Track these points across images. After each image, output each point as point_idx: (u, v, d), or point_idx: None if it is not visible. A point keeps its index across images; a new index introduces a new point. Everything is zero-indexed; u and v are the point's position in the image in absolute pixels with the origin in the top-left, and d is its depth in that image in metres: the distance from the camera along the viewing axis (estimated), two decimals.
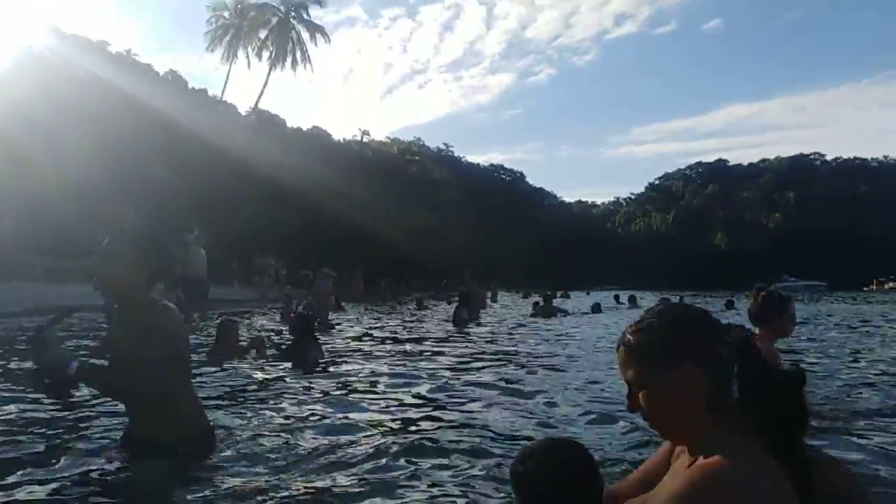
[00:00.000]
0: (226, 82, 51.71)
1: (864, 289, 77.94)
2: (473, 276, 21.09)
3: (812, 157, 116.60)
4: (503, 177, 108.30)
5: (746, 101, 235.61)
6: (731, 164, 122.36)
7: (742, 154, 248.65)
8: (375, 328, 12.51)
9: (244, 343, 7.51)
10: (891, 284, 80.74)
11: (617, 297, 25.50)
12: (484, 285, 25.18)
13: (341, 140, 60.53)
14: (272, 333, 10.48)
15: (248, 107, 52.80)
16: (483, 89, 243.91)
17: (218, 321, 8.21)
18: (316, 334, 7.51)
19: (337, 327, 11.99)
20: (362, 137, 63.55)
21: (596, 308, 19.17)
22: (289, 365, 6.48)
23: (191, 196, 29.70)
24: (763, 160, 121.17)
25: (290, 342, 7.80)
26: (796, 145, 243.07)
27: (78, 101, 27.20)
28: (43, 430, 3.66)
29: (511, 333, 11.62)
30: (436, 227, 46.67)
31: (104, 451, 3.19)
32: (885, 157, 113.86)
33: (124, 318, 2.99)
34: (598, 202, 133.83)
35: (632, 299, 20.32)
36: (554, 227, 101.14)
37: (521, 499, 1.80)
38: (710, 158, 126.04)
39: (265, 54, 48.61)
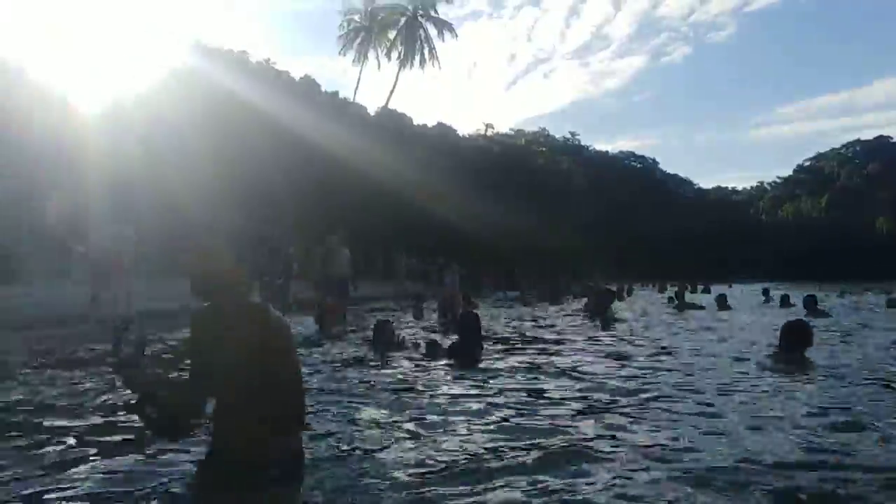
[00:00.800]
0: (357, 84, 53.28)
1: None
2: (601, 275, 20.30)
3: None
4: (634, 164, 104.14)
5: None
6: (894, 140, 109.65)
7: None
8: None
9: (400, 341, 8.17)
10: None
11: (766, 292, 23.23)
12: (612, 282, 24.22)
13: (466, 135, 60.91)
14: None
15: (378, 107, 54.33)
16: (612, 74, 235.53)
17: (374, 322, 8.88)
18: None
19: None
20: (486, 131, 63.49)
21: (722, 303, 17.27)
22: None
23: (322, 197, 30.92)
24: None
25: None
26: None
27: (217, 114, 29.02)
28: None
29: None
30: (561, 221, 45.57)
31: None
32: None
33: (220, 321, 2.75)
34: (740, 188, 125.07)
35: (785, 300, 18.11)
36: (690, 216, 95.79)
37: None
38: (869, 135, 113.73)
39: (394, 54, 49.55)
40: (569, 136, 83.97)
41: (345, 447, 3.63)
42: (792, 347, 6.10)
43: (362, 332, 10.16)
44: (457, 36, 52.04)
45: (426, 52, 48.79)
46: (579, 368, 6.53)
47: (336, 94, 53.10)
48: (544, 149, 57.09)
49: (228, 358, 2.66)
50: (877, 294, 27.23)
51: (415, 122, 57.62)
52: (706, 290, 29.65)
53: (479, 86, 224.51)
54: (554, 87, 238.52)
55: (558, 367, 6.61)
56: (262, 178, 28.85)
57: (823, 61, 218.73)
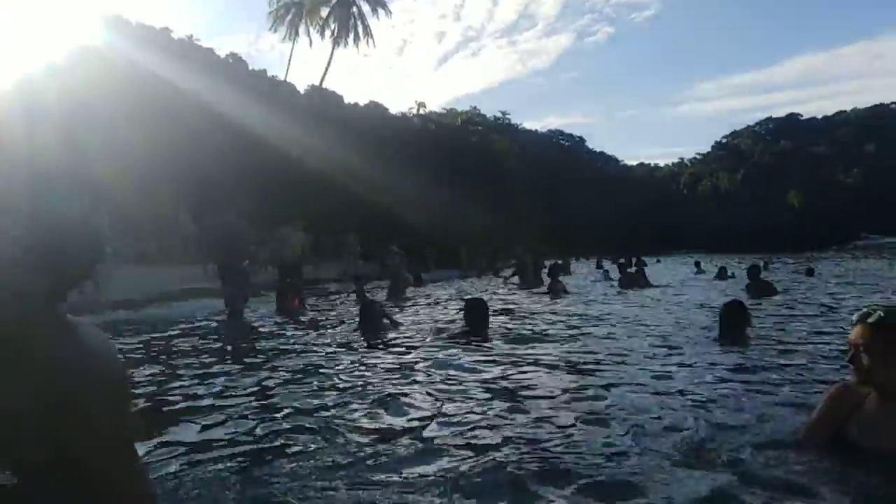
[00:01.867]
0: (289, 63, 51.90)
1: None
2: (527, 251, 20.79)
3: (893, 105, 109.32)
4: (562, 142, 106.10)
5: (818, 50, 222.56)
6: (804, 118, 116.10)
7: (816, 107, 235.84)
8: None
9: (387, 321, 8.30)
10: None
11: (698, 264, 24.35)
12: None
13: (398, 114, 60.47)
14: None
15: (308, 85, 53.13)
16: (539, 53, 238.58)
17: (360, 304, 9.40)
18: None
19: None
20: (419, 109, 63.20)
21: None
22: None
23: (256, 180, 30.15)
24: (839, 112, 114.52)
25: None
26: (875, 94, 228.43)
27: (136, 92, 27.74)
28: None
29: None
30: (499, 198, 46.08)
31: None
32: None
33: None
34: (662, 164, 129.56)
35: (722, 272, 18.74)
36: (617, 192, 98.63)
37: None
38: (781, 113, 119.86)
39: (327, 32, 48.21)
40: (499, 114, 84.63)
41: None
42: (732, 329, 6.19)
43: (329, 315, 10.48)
44: (390, 14, 51.16)
45: (360, 29, 47.73)
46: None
47: (264, 72, 51.71)
48: (480, 127, 57.30)
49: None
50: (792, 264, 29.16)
51: (346, 101, 56.83)
52: (640, 264, 30.56)
53: (410, 64, 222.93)
54: (483, 67, 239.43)
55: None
56: (197, 165, 27.89)
57: (741, 40, 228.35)
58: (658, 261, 36.51)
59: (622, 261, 20.97)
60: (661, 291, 14.60)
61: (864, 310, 2.47)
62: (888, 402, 2.37)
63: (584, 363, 5.72)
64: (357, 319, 8.37)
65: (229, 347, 7.51)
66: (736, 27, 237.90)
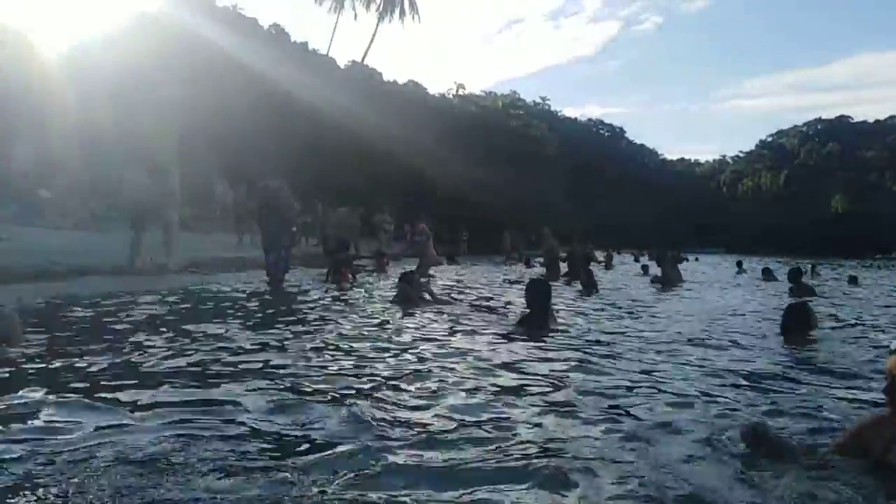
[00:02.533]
0: (332, 36, 51.48)
1: None
2: (553, 233, 19.08)
3: None
4: (602, 132, 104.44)
5: (872, 52, 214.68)
6: (854, 120, 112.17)
7: (868, 110, 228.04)
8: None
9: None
10: None
11: (740, 264, 23.65)
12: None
13: (437, 94, 60.06)
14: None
15: (349, 60, 53.00)
16: (583, 39, 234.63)
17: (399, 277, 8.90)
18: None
19: None
20: (458, 90, 62.73)
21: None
22: None
23: (289, 153, 30.24)
24: (891, 117, 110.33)
25: None
26: None
27: (181, 58, 27.87)
28: None
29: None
30: (537, 185, 45.59)
31: None
32: None
33: None
34: (703, 160, 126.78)
35: (767, 273, 18.07)
36: (655, 187, 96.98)
37: None
38: (831, 114, 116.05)
39: (373, 5, 47.64)
40: (539, 100, 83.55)
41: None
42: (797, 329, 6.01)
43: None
44: None
45: (406, 4, 46.99)
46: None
47: (305, 44, 51.71)
48: (521, 112, 56.59)
49: None
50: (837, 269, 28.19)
51: (385, 79, 56.62)
52: (678, 259, 30.00)
53: (451, 44, 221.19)
54: (525, 51, 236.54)
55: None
56: (234, 133, 28.03)
57: (792, 37, 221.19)
58: (696, 258, 35.77)
59: (671, 254, 20.01)
60: (700, 289, 14.24)
61: None
62: None
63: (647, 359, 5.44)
64: (395, 292, 8.27)
65: (267, 312, 7.44)
66: (787, 24, 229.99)
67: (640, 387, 4.32)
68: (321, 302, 8.64)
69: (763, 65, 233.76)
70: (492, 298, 9.91)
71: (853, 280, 18.55)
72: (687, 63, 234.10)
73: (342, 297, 9.25)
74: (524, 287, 7.01)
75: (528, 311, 6.57)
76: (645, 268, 20.83)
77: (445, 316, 7.33)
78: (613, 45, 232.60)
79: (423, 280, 12.06)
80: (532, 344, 5.72)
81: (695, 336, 6.74)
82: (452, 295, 10.14)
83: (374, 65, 59.55)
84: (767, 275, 17.85)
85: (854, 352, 6.04)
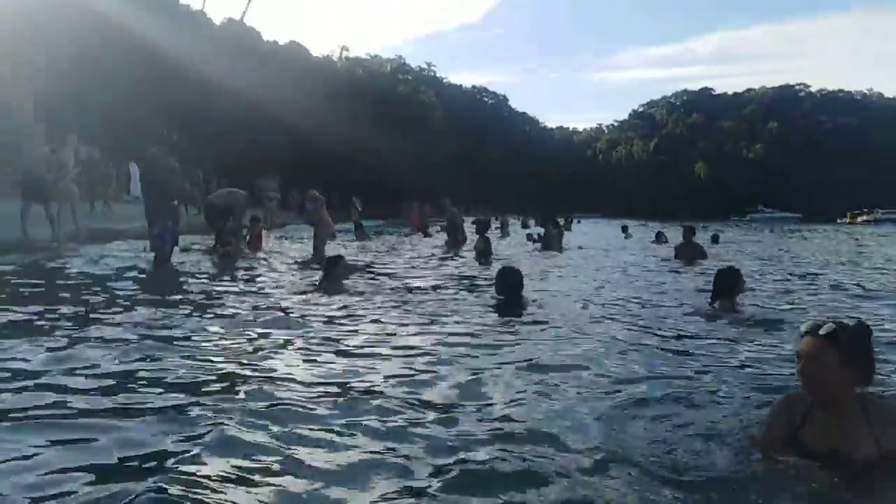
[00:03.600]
0: None
1: (839, 221, 78.95)
2: (452, 203, 18.70)
3: (797, 87, 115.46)
4: (486, 99, 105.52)
5: (733, 28, 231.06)
6: (716, 93, 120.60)
7: (729, 83, 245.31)
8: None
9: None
10: (864, 218, 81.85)
11: (625, 229, 24.40)
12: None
13: (321, 56, 57.77)
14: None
15: (224, 18, 49.61)
16: (466, 6, 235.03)
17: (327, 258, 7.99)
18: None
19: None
20: (341, 53, 60.71)
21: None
22: None
23: (164, 112, 27.97)
24: (748, 90, 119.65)
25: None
26: (782, 75, 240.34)
27: (39, 14, 24.89)
28: None
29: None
30: (425, 150, 45.22)
31: None
32: (869, 90, 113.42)
33: None
34: (581, 129, 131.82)
35: (659, 236, 18.74)
36: (537, 154, 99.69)
37: None
38: (696, 87, 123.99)
39: None
40: (425, 66, 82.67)
41: None
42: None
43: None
44: None
45: None
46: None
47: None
48: (410, 77, 55.68)
49: None
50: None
51: (265, 38, 53.67)
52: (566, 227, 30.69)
53: (335, 5, 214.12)
54: (411, 15, 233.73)
55: None
56: (97, 88, 25.42)
57: (662, 12, 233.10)
58: (578, 221, 37.00)
59: (560, 220, 20.08)
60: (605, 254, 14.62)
61: (814, 321, 2.49)
62: (831, 414, 2.40)
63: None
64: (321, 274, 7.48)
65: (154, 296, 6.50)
66: (656, 0, 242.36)
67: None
68: (219, 287, 7.62)
69: (635, 38, 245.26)
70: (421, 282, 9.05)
71: (715, 238, 19.62)
72: (565, 34, 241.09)
73: (246, 276, 8.38)
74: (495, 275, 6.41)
75: (500, 298, 6.13)
76: (529, 235, 20.21)
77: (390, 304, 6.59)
78: (496, 14, 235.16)
79: (321, 249, 11.36)
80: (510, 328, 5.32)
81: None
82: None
83: (255, 25, 56.29)
84: (660, 238, 18.60)
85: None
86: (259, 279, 8.41)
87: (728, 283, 5.99)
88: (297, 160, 32.33)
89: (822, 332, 2.35)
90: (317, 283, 7.29)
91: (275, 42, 55.24)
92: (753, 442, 2.67)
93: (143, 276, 8.07)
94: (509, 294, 6.03)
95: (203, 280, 7.95)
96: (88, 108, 24.36)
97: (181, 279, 7.81)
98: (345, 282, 7.27)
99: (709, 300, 6.23)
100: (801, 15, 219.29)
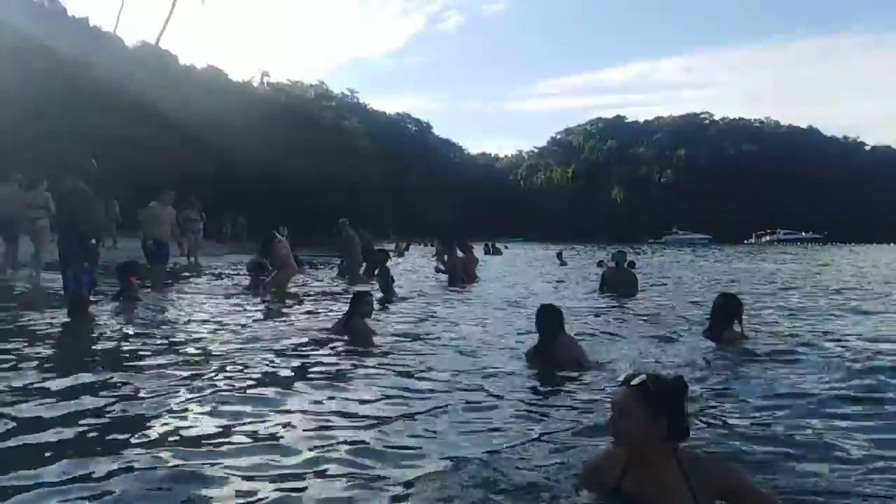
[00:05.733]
0: (120, 12, 46.27)
1: (745, 241, 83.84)
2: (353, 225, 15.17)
3: (702, 115, 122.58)
4: (409, 126, 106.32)
5: (644, 59, 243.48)
6: (628, 120, 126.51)
7: (640, 111, 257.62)
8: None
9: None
10: (767, 238, 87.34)
11: (560, 255, 24.17)
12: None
13: (241, 81, 56.64)
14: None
15: (138, 41, 47.96)
16: (389, 33, 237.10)
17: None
18: None
19: None
20: (262, 78, 59.77)
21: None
22: None
23: (79, 139, 26.55)
24: (657, 118, 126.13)
25: None
26: (688, 104, 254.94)
27: None
28: None
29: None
30: (351, 179, 44.82)
31: None
32: (766, 118, 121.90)
33: None
34: (503, 155, 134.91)
35: (601, 264, 18.70)
36: (461, 180, 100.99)
37: None
38: (611, 114, 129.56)
39: None
40: (348, 92, 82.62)
41: None
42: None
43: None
44: None
45: None
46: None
47: (86, 20, 45.88)
48: (333, 103, 55.30)
49: None
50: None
51: (182, 63, 52.17)
52: (497, 250, 30.82)
53: (256, 30, 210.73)
54: (333, 40, 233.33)
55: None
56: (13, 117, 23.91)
57: (579, 43, 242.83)
58: (506, 247, 37.26)
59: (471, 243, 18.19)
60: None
61: (631, 372, 2.45)
62: (646, 468, 2.33)
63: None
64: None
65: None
66: (575, 31, 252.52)
67: None
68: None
69: (553, 68, 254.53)
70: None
71: (631, 264, 20.13)
72: (487, 63, 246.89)
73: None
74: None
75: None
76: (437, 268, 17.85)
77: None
78: (418, 41, 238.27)
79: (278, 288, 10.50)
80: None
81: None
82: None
83: (173, 49, 54.43)
84: (560, 258, 19.15)
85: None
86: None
87: (730, 311, 5.88)
88: (219, 187, 31.31)
89: (633, 382, 2.31)
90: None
91: (192, 66, 53.88)
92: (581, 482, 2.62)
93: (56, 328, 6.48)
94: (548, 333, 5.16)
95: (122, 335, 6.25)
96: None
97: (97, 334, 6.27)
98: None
99: (706, 330, 6.11)
100: (707, 46, 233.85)
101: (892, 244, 64.07)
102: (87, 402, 3.77)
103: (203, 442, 3.17)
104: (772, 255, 34.59)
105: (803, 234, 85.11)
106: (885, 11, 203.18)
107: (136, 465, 2.80)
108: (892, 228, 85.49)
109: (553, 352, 5.02)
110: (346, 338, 5.91)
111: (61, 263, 7.77)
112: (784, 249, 50.15)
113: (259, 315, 7.95)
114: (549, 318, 5.18)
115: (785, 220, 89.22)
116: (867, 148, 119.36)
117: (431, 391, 4.27)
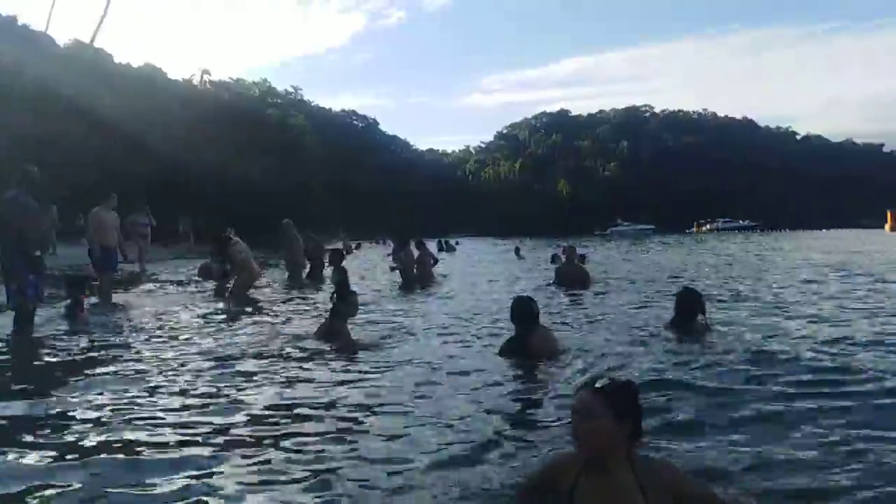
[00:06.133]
0: (51, 10, 44.15)
1: (687, 231, 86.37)
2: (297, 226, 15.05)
3: (643, 108, 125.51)
4: (356, 123, 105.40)
5: (587, 53, 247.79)
6: (572, 114, 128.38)
7: (584, 104, 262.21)
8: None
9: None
10: (708, 227, 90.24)
11: (517, 251, 24.23)
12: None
13: (180, 80, 54.94)
14: None
15: (70, 39, 45.99)
16: (332, 30, 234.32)
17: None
18: None
19: None
20: (202, 77, 58.14)
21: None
22: None
23: (5, 138, 25.33)
24: (600, 111, 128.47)
25: None
26: (630, 97, 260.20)
27: None
28: None
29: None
30: (298, 178, 44.07)
31: None
32: (704, 109, 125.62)
33: None
34: (450, 150, 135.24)
35: (555, 258, 18.82)
36: (409, 176, 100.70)
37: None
38: (554, 109, 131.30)
39: None
40: (292, 90, 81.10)
41: None
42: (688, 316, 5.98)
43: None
44: None
45: None
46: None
47: (14, 19, 43.76)
48: (279, 101, 54.27)
49: None
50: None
51: (117, 61, 50.26)
52: (450, 247, 30.45)
53: (195, 28, 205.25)
54: (275, 37, 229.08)
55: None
56: None
57: (523, 37, 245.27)
58: (458, 242, 37.31)
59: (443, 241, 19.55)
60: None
61: (589, 377, 2.54)
62: (601, 473, 2.33)
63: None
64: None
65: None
66: (519, 25, 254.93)
67: None
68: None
69: (497, 63, 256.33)
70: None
71: (582, 258, 20.52)
72: (431, 59, 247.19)
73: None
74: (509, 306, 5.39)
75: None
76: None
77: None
78: (361, 38, 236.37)
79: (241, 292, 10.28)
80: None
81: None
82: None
83: (108, 48, 52.38)
84: (518, 254, 19.37)
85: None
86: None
87: (692, 304, 5.98)
88: (163, 188, 30.29)
89: (597, 385, 2.33)
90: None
91: (128, 64, 51.98)
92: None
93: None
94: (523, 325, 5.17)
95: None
96: None
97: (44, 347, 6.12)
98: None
99: (669, 323, 6.18)
100: (644, 41, 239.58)
101: (823, 230, 66.89)
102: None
103: (170, 452, 3.12)
104: (699, 249, 35.46)
105: (741, 222, 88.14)
106: (814, 8, 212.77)
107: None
108: (823, 215, 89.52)
109: (528, 343, 5.03)
110: (329, 344, 5.77)
111: (3, 275, 7.38)
112: (723, 238, 51.67)
113: (218, 319, 7.82)
114: (525, 308, 5.21)
115: (724, 209, 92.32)
116: (798, 137, 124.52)
117: (412, 391, 4.30)
